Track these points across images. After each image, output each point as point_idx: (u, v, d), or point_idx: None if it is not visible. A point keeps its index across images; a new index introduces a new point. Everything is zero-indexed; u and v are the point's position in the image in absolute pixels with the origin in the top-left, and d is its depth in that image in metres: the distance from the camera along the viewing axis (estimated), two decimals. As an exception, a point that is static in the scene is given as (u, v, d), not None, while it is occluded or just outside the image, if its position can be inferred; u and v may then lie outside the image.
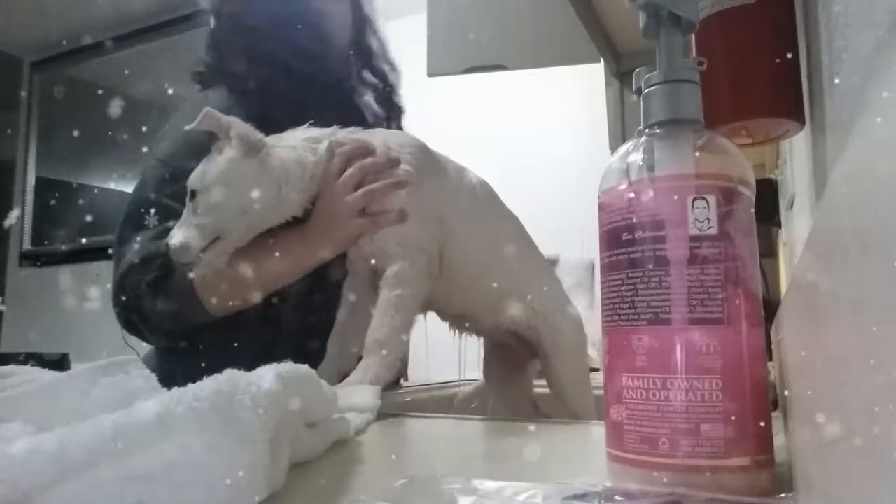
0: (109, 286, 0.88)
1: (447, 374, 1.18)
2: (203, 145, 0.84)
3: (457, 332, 0.87)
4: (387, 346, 0.71)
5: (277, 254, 0.81)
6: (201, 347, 0.87)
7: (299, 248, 0.80)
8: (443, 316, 0.85)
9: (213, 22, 0.97)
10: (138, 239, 0.85)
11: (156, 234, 0.85)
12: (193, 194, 0.75)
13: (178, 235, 0.74)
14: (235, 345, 0.84)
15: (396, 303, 0.73)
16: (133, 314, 0.85)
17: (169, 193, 0.87)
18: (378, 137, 0.81)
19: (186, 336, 0.86)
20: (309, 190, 0.78)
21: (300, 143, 0.79)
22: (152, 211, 0.87)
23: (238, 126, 0.75)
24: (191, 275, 0.80)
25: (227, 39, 0.95)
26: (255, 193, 0.74)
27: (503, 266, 0.83)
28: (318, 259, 0.80)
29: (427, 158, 0.81)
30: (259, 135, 0.76)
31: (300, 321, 0.90)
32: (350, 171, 0.77)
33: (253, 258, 0.81)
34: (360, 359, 0.74)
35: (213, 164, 0.75)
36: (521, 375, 0.91)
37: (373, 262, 0.78)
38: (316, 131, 0.81)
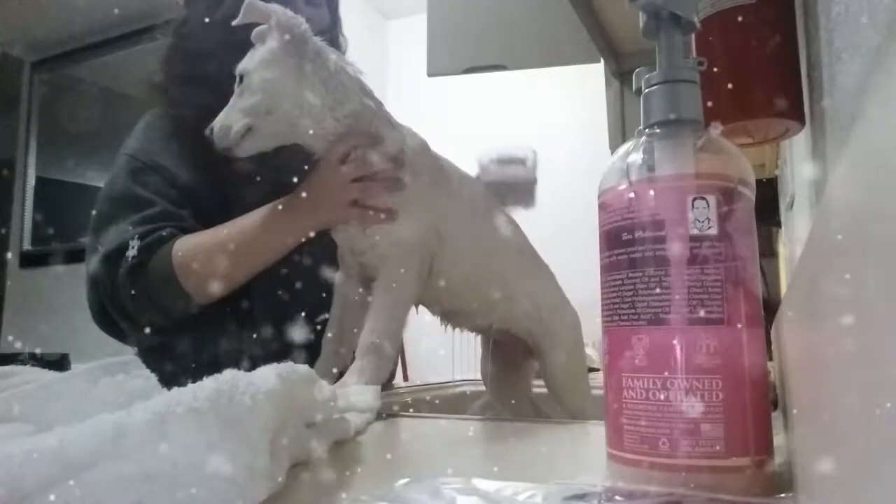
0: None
1: (442, 375, 1.18)
2: (169, 138, 0.87)
3: (448, 327, 0.86)
4: (380, 348, 0.71)
5: (259, 222, 0.80)
6: (175, 351, 0.87)
7: (282, 217, 0.80)
8: (434, 312, 0.85)
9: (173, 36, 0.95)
10: (112, 230, 0.85)
11: (131, 222, 0.84)
12: (241, 79, 0.74)
13: (219, 119, 0.74)
14: (208, 345, 0.86)
15: (389, 305, 0.73)
16: (110, 306, 0.84)
17: (141, 183, 0.87)
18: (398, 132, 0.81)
19: (164, 331, 0.86)
20: (333, 128, 0.75)
21: (357, 88, 0.77)
22: (125, 203, 0.87)
23: (279, 15, 0.73)
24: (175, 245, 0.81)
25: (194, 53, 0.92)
26: (286, 93, 0.73)
27: (499, 271, 0.82)
28: (299, 232, 0.80)
29: (428, 160, 0.80)
30: (302, 29, 0.74)
31: (276, 321, 0.90)
32: (353, 165, 0.76)
33: (233, 226, 0.82)
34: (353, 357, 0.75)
35: (257, 51, 0.75)
36: (519, 375, 0.91)
37: (364, 261, 0.77)
38: (369, 90, 0.80)
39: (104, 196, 0.90)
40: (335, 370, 0.77)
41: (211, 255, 0.81)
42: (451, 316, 0.84)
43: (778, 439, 0.33)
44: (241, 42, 0.78)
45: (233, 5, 0.77)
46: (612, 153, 0.37)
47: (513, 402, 0.91)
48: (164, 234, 0.84)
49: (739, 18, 0.57)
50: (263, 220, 0.81)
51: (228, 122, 0.74)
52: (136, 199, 0.87)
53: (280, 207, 0.80)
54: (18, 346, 2.79)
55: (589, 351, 1.83)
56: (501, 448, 0.52)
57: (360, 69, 0.79)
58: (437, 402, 0.99)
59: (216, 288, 0.82)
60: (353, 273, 0.80)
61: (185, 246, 0.82)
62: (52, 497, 0.27)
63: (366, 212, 0.76)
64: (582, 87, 2.21)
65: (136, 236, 0.83)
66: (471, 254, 0.80)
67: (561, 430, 0.61)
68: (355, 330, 0.75)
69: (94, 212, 0.89)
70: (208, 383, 0.32)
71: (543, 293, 0.85)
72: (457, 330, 0.88)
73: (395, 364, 1.09)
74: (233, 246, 0.81)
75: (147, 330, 0.84)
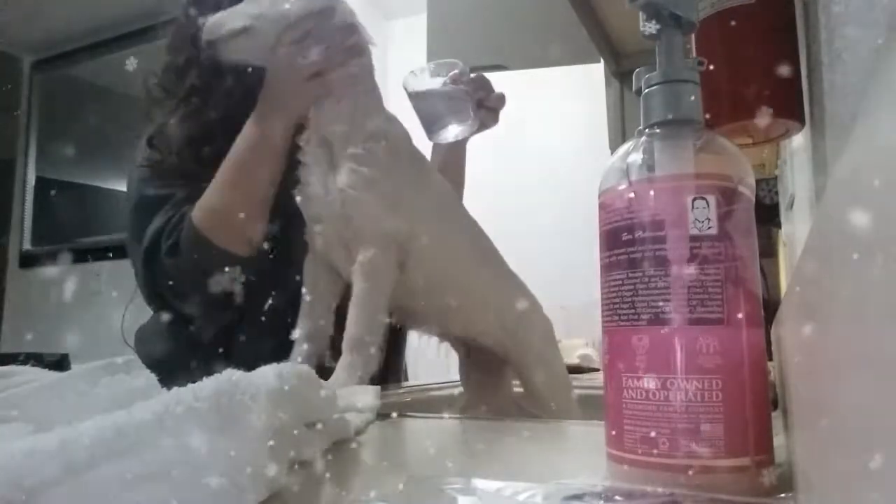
0: (115, 288, 0.90)
1: (442, 375, 1.18)
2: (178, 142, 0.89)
3: (419, 334, 0.86)
4: (366, 340, 0.71)
5: (241, 143, 0.81)
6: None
7: (257, 126, 0.81)
8: (399, 317, 0.83)
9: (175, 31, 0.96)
10: (153, 223, 0.87)
11: (168, 208, 0.86)
12: None
13: (217, 15, 0.75)
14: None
15: (369, 296, 0.72)
16: (165, 288, 0.85)
17: (154, 185, 0.90)
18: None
19: (219, 301, 0.85)
20: None
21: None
22: (146, 207, 0.89)
23: None
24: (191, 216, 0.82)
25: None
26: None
27: (460, 275, 0.81)
28: (273, 131, 0.80)
29: (409, 151, 0.80)
30: None
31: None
32: (298, 44, 0.76)
33: (224, 163, 0.83)
34: (332, 339, 0.74)
35: None
36: (500, 377, 0.89)
37: (330, 234, 0.76)
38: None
39: (127, 212, 0.92)
40: (314, 353, 0.76)
41: (221, 198, 0.82)
42: (406, 315, 0.82)
43: (778, 439, 0.33)
44: None
45: None
46: (612, 153, 0.37)
47: (493, 404, 0.90)
48: (184, 210, 0.85)
49: (739, 18, 0.57)
50: (243, 139, 0.82)
51: (224, 20, 0.75)
52: (155, 199, 0.88)
53: (252, 119, 0.81)
54: (18, 346, 2.79)
55: (589, 351, 1.83)
56: (501, 448, 0.52)
57: (374, 41, 0.82)
58: (437, 402, 0.99)
59: (246, 230, 0.82)
60: (321, 254, 0.79)
61: (199, 206, 0.83)
62: (52, 497, 0.27)
63: (327, 79, 0.76)
64: (582, 87, 2.20)
65: (167, 221, 0.85)
66: (434, 253, 0.78)
67: (560, 430, 0.61)
68: (322, 321, 0.76)
69: (125, 234, 0.92)
70: (208, 383, 0.32)
71: (510, 302, 0.82)
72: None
73: (403, 361, 1.09)
74: (232, 177, 0.81)
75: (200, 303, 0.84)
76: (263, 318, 0.88)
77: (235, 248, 0.82)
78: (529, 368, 0.81)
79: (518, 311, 0.83)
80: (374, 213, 0.73)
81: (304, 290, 0.79)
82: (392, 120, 0.79)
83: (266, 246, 0.83)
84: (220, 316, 0.87)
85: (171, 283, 0.84)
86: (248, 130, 0.82)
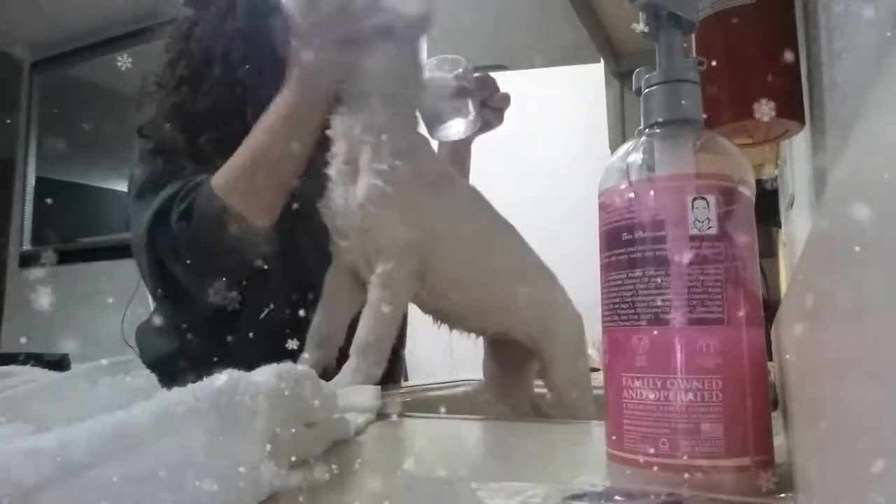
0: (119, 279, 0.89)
1: (442, 375, 1.18)
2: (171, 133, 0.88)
3: (445, 327, 0.86)
4: (374, 348, 0.71)
5: (272, 114, 0.79)
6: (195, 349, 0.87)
7: (284, 91, 0.78)
8: (424, 310, 0.83)
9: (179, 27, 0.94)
10: (165, 190, 0.84)
11: (176, 182, 0.84)
12: None
13: None
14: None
15: (384, 305, 0.72)
16: (172, 263, 0.82)
17: (162, 160, 0.88)
18: None
19: (228, 275, 0.83)
20: None
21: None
22: (156, 180, 0.86)
23: None
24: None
25: (202, 42, 0.91)
26: None
27: (491, 273, 0.81)
28: (304, 101, 0.77)
29: (429, 158, 0.80)
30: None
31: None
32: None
33: (252, 135, 0.80)
34: (341, 350, 0.74)
35: None
36: (521, 374, 0.90)
37: (351, 248, 0.76)
38: None
39: (133, 187, 0.89)
40: (319, 363, 0.76)
41: (248, 167, 0.79)
42: (442, 316, 0.83)
43: (778, 439, 0.33)
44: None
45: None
46: (612, 153, 0.37)
47: (511, 401, 0.90)
48: (200, 178, 0.82)
49: (739, 19, 0.57)
50: (275, 106, 0.79)
51: None
52: (164, 172, 0.86)
53: (285, 88, 0.79)
54: (18, 345, 2.79)
55: (589, 351, 1.83)
56: (501, 448, 0.52)
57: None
58: (437, 402, 0.99)
59: (266, 198, 0.80)
60: (343, 267, 0.79)
61: (220, 174, 0.81)
62: (50, 497, 0.27)
63: (361, 48, 0.73)
64: (582, 87, 2.20)
65: (181, 186, 0.82)
66: (460, 254, 0.78)
67: (561, 430, 0.61)
68: (333, 336, 0.75)
69: (130, 206, 0.89)
70: (208, 383, 0.32)
71: (542, 296, 0.83)
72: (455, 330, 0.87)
73: (403, 362, 1.09)
74: (261, 143, 0.79)
75: (216, 293, 0.81)
76: (261, 325, 0.87)
77: (252, 216, 0.79)
78: (554, 357, 0.81)
79: (549, 303, 0.83)
80: (392, 226, 0.73)
81: (320, 304, 0.79)
82: (424, 141, 0.79)
83: (265, 254, 0.82)
84: (217, 316, 0.86)
85: (177, 251, 0.80)
86: (281, 99, 0.79)
